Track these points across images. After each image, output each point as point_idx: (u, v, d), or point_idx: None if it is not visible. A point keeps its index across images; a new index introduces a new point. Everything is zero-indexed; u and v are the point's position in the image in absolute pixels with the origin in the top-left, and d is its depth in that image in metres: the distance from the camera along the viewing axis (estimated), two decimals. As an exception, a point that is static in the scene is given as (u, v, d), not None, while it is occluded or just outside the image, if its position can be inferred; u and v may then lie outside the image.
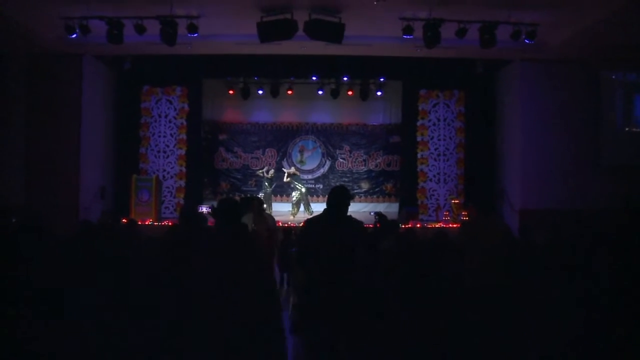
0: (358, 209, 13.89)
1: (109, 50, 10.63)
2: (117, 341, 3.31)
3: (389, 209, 13.92)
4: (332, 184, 14.25)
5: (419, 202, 13.41)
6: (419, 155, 13.53)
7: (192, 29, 9.01)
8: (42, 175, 11.07)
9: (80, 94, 11.37)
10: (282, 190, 14.45)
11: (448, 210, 12.99)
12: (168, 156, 13.46)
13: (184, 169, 13.46)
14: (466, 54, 11.38)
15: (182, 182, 13.44)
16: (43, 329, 3.18)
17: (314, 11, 8.91)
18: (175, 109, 13.50)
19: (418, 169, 13.52)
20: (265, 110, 15.01)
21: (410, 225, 11.19)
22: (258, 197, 10.02)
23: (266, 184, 13.28)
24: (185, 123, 13.49)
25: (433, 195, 13.54)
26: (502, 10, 8.59)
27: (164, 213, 13.03)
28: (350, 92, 14.36)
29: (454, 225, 11.51)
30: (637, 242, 5.58)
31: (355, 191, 14.75)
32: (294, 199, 13.28)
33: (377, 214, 7.25)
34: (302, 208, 13.21)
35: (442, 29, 8.81)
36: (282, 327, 3.49)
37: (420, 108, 13.59)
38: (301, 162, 15.01)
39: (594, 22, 8.99)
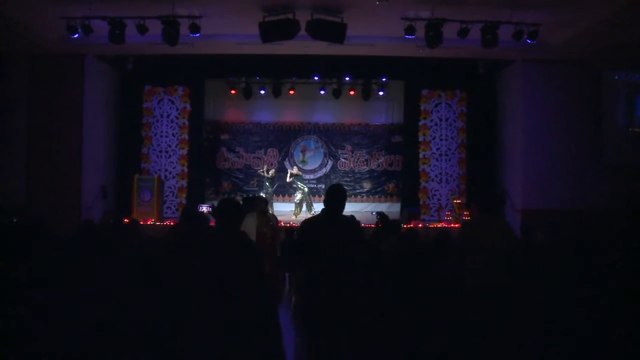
0: (360, 209, 13.92)
1: (111, 50, 10.64)
2: (117, 341, 3.32)
3: (391, 209, 13.87)
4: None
5: (421, 202, 13.43)
6: (421, 155, 13.56)
7: (194, 28, 9.01)
8: (44, 175, 11.07)
9: (82, 94, 11.36)
10: (284, 190, 14.45)
11: (450, 210, 12.97)
12: (170, 156, 13.49)
13: (185, 169, 13.50)
14: (468, 54, 11.37)
15: (184, 182, 13.48)
16: (43, 329, 3.19)
17: (316, 11, 8.90)
18: (177, 109, 13.54)
19: (420, 169, 13.54)
20: (267, 110, 14.98)
21: (412, 225, 11.17)
22: (262, 197, 10.05)
23: (267, 183, 13.23)
24: (187, 123, 13.54)
25: (435, 195, 13.55)
26: (504, 10, 8.59)
27: (166, 213, 13.06)
28: (352, 92, 14.34)
29: (456, 225, 11.48)
30: (638, 242, 5.57)
31: (357, 191, 14.75)
32: (297, 199, 13.28)
33: (379, 214, 7.26)
34: (304, 208, 13.21)
35: (444, 29, 8.80)
36: (279, 324, 3.49)
37: (422, 108, 13.62)
38: (303, 162, 14.97)
39: (596, 22, 8.97)
